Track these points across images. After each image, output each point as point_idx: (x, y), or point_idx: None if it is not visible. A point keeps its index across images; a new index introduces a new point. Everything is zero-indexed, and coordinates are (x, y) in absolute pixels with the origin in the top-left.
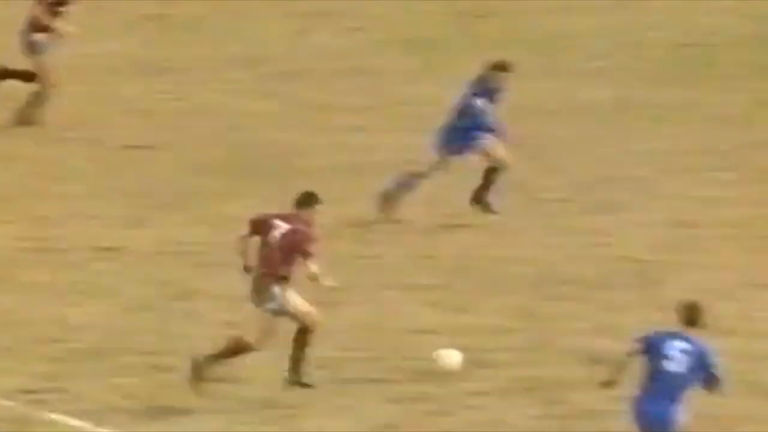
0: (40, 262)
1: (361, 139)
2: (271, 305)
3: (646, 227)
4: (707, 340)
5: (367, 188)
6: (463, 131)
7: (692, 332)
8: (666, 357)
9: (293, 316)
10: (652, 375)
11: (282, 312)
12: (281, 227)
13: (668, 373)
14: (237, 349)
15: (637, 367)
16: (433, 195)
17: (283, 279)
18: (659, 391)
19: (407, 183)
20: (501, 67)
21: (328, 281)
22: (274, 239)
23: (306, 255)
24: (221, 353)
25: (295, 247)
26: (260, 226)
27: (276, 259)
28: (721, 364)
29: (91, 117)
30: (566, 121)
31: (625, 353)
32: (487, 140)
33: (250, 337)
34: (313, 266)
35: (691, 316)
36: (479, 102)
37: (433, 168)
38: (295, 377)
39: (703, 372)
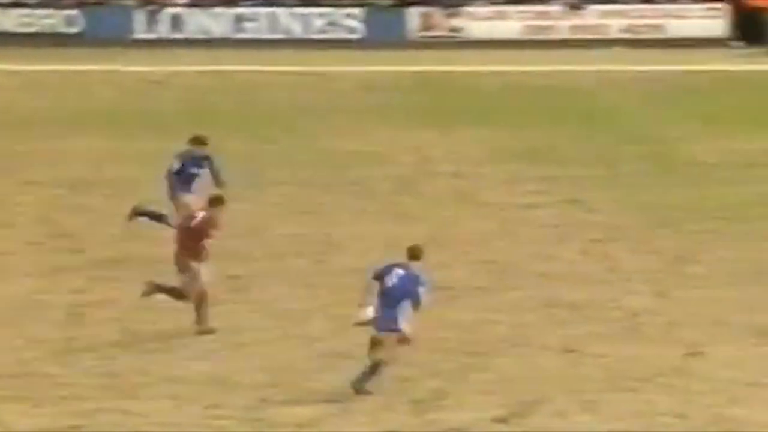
0: None
1: None
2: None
3: None
4: (422, 271)
5: None
6: None
7: (413, 264)
8: (389, 278)
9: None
10: (381, 292)
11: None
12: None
13: (390, 288)
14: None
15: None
16: None
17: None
18: (387, 303)
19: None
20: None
21: None
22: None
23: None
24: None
25: (202, 232)
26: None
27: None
28: (426, 289)
29: None
30: None
31: (368, 280)
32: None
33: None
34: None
35: (414, 253)
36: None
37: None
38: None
39: (414, 293)
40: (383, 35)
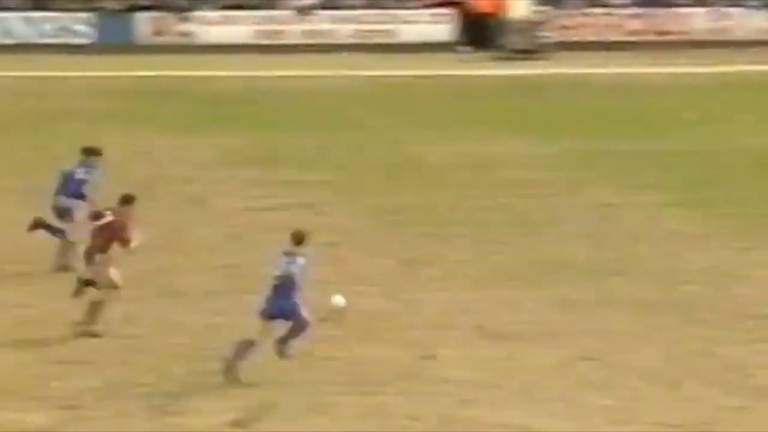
0: None
1: None
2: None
3: None
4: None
5: None
6: None
7: (297, 250)
8: (280, 266)
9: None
10: (271, 280)
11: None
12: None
13: (282, 277)
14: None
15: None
16: None
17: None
18: (280, 291)
19: None
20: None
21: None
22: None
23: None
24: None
25: (113, 233)
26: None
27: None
28: (309, 270)
29: None
30: None
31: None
32: None
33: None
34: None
35: (297, 238)
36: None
37: None
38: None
39: (301, 276)
40: (113, 40)
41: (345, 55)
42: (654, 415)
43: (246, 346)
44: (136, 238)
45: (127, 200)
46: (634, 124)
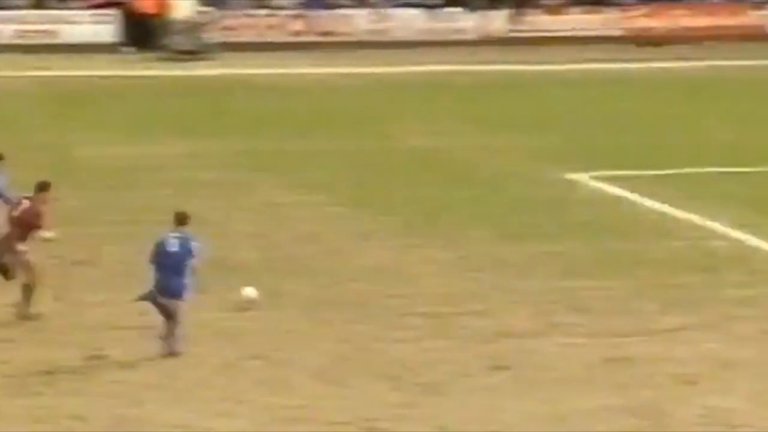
0: None
1: None
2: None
3: None
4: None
5: None
6: None
7: (182, 230)
8: (167, 246)
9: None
10: (162, 261)
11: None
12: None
13: (169, 257)
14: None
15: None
16: None
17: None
18: (168, 270)
19: None
20: None
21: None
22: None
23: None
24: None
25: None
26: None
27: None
28: (199, 249)
29: None
30: None
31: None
32: None
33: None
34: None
35: (180, 219)
36: None
37: None
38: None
39: (189, 255)
40: None
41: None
42: (323, 412)
43: (172, 325)
44: (48, 227)
45: (42, 187)
46: (300, 124)
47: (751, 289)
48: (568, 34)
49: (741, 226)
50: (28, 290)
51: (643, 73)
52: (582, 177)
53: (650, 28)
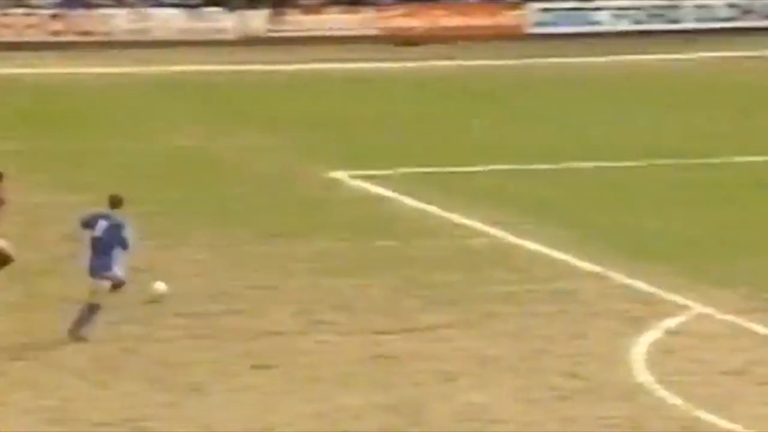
0: None
1: None
2: None
3: None
4: (122, 217)
5: None
6: None
7: (115, 212)
8: (96, 229)
9: None
10: (92, 242)
11: None
12: None
13: (98, 238)
14: None
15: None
16: None
17: None
18: (98, 251)
19: None
20: None
21: None
22: None
23: None
24: None
25: None
26: None
27: None
28: (130, 232)
29: None
30: None
31: (78, 229)
32: None
33: None
34: None
35: (114, 201)
36: None
37: None
38: None
39: (121, 238)
40: None
41: None
42: (86, 413)
43: (93, 309)
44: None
45: None
46: (59, 123)
47: (511, 286)
48: (327, 33)
49: (500, 224)
50: None
51: (401, 72)
52: (344, 176)
53: (407, 28)
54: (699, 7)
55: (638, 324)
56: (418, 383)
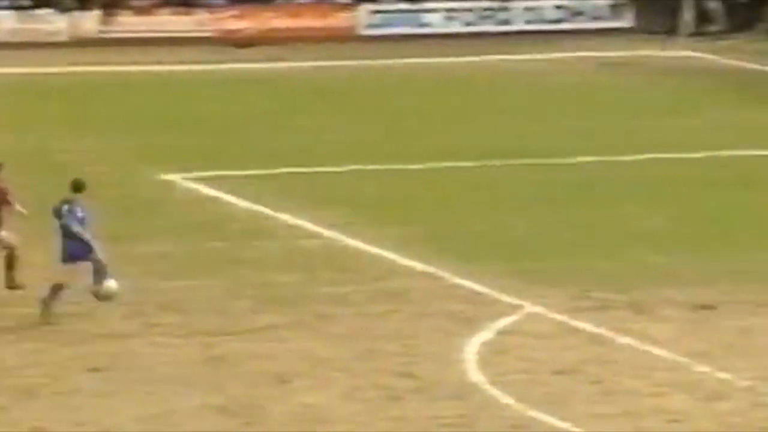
0: None
1: None
2: None
3: None
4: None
5: None
6: None
7: (76, 197)
8: (62, 213)
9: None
10: (63, 229)
11: None
12: None
13: (64, 224)
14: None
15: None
16: None
17: None
18: (71, 235)
19: None
20: None
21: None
22: None
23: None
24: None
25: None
26: None
27: None
28: (94, 216)
29: None
30: None
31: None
32: None
33: None
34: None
35: (77, 186)
36: None
37: None
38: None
39: (85, 221)
40: None
41: None
42: None
43: (57, 290)
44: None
45: None
46: None
47: (343, 286)
48: (159, 35)
49: (335, 226)
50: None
51: (232, 73)
52: (176, 178)
53: (239, 30)
54: (528, 9)
55: (471, 324)
56: (253, 384)
